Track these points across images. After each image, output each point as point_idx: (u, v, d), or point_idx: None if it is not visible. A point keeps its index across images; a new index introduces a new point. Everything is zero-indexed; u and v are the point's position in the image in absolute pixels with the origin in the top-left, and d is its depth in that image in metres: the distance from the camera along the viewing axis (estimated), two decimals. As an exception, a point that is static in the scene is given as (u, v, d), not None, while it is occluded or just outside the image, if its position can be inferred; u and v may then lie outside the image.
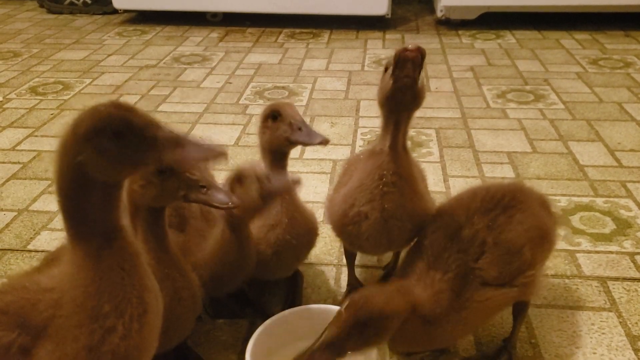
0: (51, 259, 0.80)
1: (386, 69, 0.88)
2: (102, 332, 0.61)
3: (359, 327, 0.74)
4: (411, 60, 0.80)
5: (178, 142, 0.58)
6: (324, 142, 0.91)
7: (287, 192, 0.94)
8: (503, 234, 0.86)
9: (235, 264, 0.92)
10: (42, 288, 0.64)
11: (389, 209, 0.89)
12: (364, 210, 0.91)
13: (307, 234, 0.98)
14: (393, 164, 0.88)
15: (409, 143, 0.91)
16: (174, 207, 0.97)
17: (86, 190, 0.59)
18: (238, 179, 0.85)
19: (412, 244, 0.95)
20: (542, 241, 0.91)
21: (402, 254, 1.04)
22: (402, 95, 0.84)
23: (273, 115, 0.94)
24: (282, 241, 0.95)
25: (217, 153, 0.58)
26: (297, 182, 0.87)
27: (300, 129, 0.92)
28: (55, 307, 0.61)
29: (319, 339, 0.74)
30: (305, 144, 0.93)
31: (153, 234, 0.80)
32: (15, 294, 0.64)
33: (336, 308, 0.90)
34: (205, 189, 0.75)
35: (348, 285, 1.12)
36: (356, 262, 1.14)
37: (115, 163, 0.57)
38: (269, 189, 0.84)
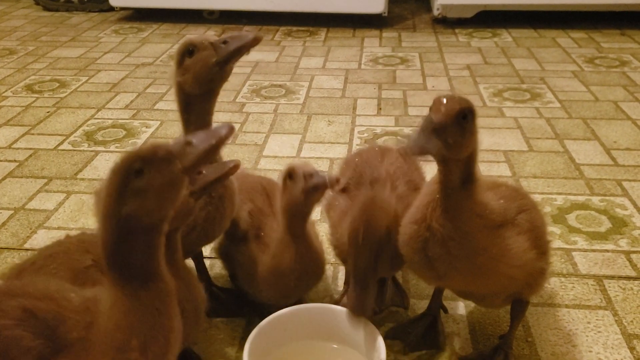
0: (49, 255, 0.81)
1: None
2: None
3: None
4: None
5: (185, 141, 0.60)
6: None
7: (303, 238, 0.94)
8: (531, 214, 0.87)
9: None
10: (75, 307, 0.65)
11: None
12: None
13: (315, 277, 0.99)
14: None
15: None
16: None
17: (130, 238, 0.61)
18: (289, 174, 0.91)
19: None
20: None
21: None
22: None
23: (289, 175, 0.92)
24: (292, 288, 0.97)
25: (224, 132, 0.60)
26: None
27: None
28: (85, 330, 0.63)
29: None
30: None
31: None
32: (47, 303, 0.65)
33: (334, 307, 0.90)
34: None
35: (345, 284, 1.12)
36: (353, 261, 1.14)
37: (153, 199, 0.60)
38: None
